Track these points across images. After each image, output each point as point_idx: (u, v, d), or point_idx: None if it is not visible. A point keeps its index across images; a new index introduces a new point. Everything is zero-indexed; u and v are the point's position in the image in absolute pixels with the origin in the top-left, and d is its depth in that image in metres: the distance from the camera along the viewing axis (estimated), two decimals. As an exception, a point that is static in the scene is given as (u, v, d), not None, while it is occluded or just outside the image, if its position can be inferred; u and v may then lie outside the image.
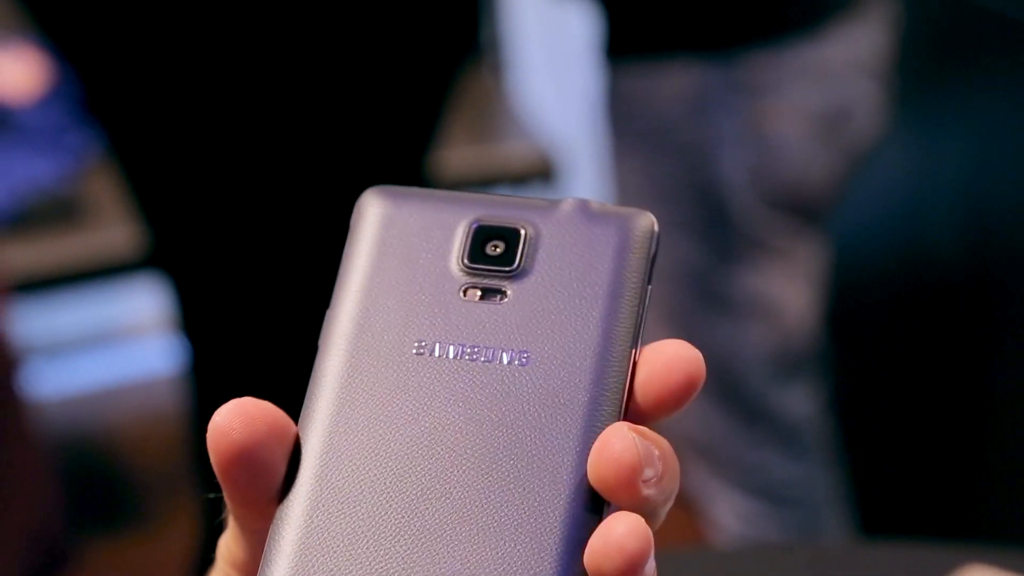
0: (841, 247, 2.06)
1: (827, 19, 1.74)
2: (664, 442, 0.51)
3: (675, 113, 1.76)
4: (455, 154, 2.67)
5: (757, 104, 1.73)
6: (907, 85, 1.97)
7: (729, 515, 1.96)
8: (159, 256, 2.09)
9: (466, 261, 0.55)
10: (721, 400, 1.89)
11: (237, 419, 0.50)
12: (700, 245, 1.80)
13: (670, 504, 0.51)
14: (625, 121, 1.82)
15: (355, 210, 0.56)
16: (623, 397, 0.53)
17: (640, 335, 0.54)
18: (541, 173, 2.86)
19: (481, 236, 0.55)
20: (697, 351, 0.53)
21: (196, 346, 2.07)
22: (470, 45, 2.06)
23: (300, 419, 0.53)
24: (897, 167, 2.16)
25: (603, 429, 0.51)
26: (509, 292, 0.54)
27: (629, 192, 1.86)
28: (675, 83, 1.75)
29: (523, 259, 0.55)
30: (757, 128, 1.74)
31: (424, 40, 1.87)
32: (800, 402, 1.92)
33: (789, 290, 1.84)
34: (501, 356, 0.53)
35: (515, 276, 0.55)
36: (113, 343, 3.27)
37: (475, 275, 0.55)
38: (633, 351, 0.53)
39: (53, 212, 2.72)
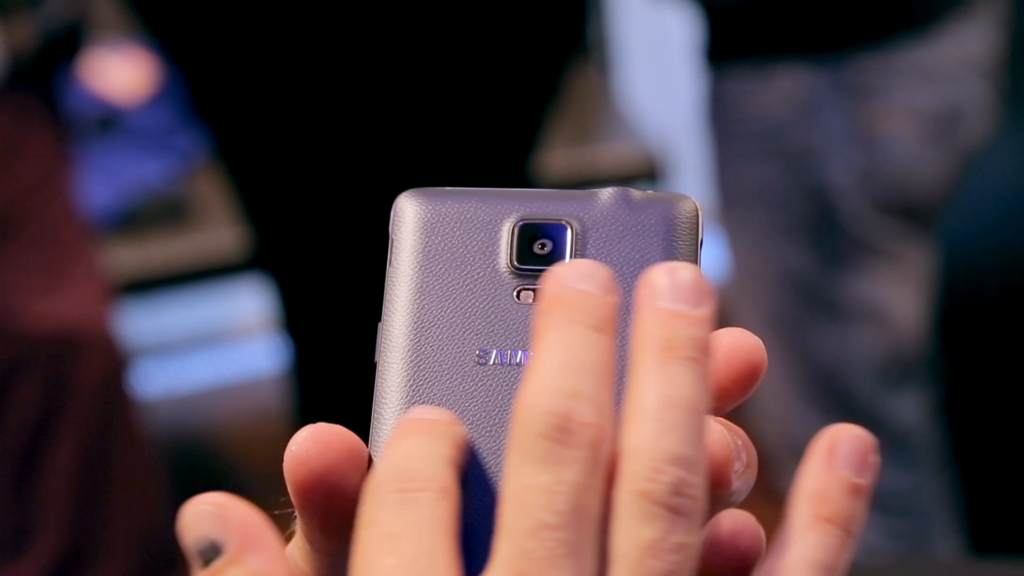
0: (951, 250, 2.03)
1: (937, 19, 1.72)
2: (743, 432, 0.51)
3: (782, 116, 1.74)
4: (559, 155, 2.66)
5: (866, 105, 1.71)
6: (1018, 84, 1.94)
7: (836, 523, 1.93)
8: (264, 257, 2.10)
9: (515, 262, 0.54)
10: (828, 407, 1.87)
11: (314, 446, 0.50)
12: (807, 250, 1.78)
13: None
14: (730, 125, 1.80)
15: (393, 215, 0.55)
16: None
17: None
18: (645, 174, 2.85)
19: (527, 235, 0.54)
20: (756, 338, 0.52)
21: (300, 346, 2.08)
22: (576, 45, 2.05)
23: (370, 440, 0.52)
24: (1008, 167, 2.12)
25: None
26: None
27: (733, 196, 1.84)
28: (782, 86, 1.73)
29: (573, 255, 0.53)
30: (866, 130, 1.72)
31: (530, 40, 1.86)
32: (909, 409, 1.89)
33: (899, 294, 1.82)
34: None
35: None
36: (219, 343, 3.29)
37: (527, 276, 0.53)
38: None
39: (161, 213, 2.74)
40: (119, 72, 2.91)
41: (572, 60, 1.99)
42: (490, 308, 0.53)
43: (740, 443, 0.50)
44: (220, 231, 2.65)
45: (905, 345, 1.84)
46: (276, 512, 0.55)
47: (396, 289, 0.54)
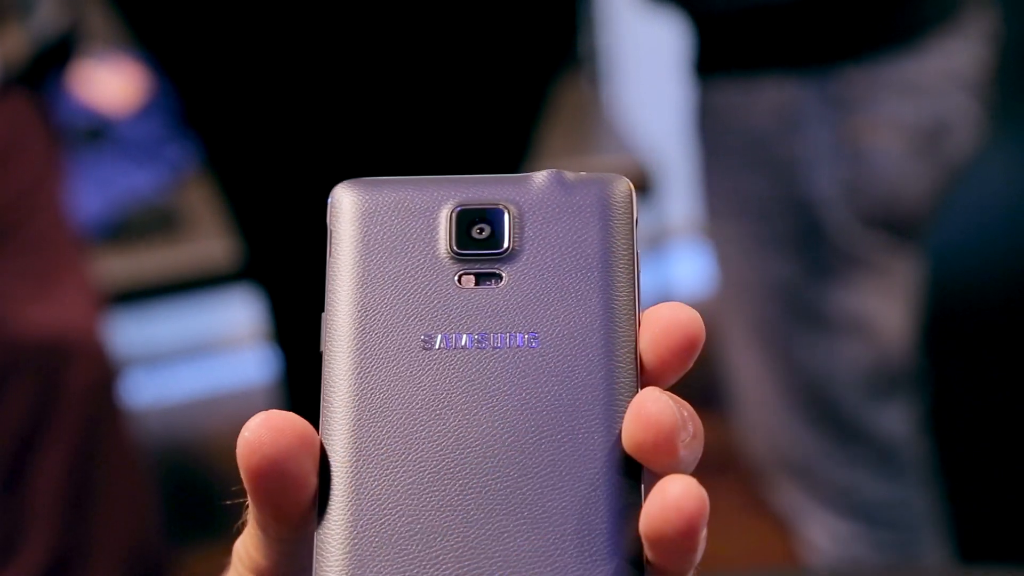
0: (938, 263, 2.03)
1: (923, 33, 1.72)
2: (689, 405, 0.51)
3: (769, 128, 1.74)
4: (550, 165, 2.66)
5: (853, 118, 1.72)
6: (1005, 98, 1.94)
7: (823, 536, 1.94)
8: (254, 268, 2.10)
9: (455, 247, 0.54)
10: (815, 419, 1.87)
11: (267, 433, 0.50)
12: (793, 261, 1.79)
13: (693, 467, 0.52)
14: (717, 136, 1.81)
15: (330, 206, 0.56)
16: (637, 364, 0.53)
17: (638, 301, 0.54)
18: (636, 187, 2.85)
19: (465, 220, 0.55)
20: (694, 312, 0.53)
21: (289, 356, 2.08)
22: (566, 57, 2.05)
23: (321, 429, 0.53)
24: (994, 181, 2.13)
25: (626, 398, 0.51)
26: (504, 275, 0.54)
27: (721, 208, 1.85)
28: (769, 98, 1.74)
29: (511, 239, 0.54)
30: (852, 143, 1.72)
31: (520, 51, 1.87)
32: (896, 421, 1.89)
33: (885, 307, 1.82)
34: (509, 340, 0.53)
35: (506, 258, 0.54)
36: (209, 353, 3.29)
37: (466, 261, 0.54)
38: (636, 316, 0.53)
39: (151, 223, 2.74)
40: (109, 83, 2.91)
41: (562, 71, 1.99)
42: (432, 294, 0.54)
43: (686, 414, 0.51)
44: (210, 242, 2.65)
45: (891, 357, 1.85)
46: (227, 502, 0.55)
47: (338, 279, 0.55)
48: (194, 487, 2.75)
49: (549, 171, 0.56)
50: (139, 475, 1.92)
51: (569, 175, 0.56)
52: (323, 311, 0.55)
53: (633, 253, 0.55)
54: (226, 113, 1.90)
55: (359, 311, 0.54)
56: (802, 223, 1.76)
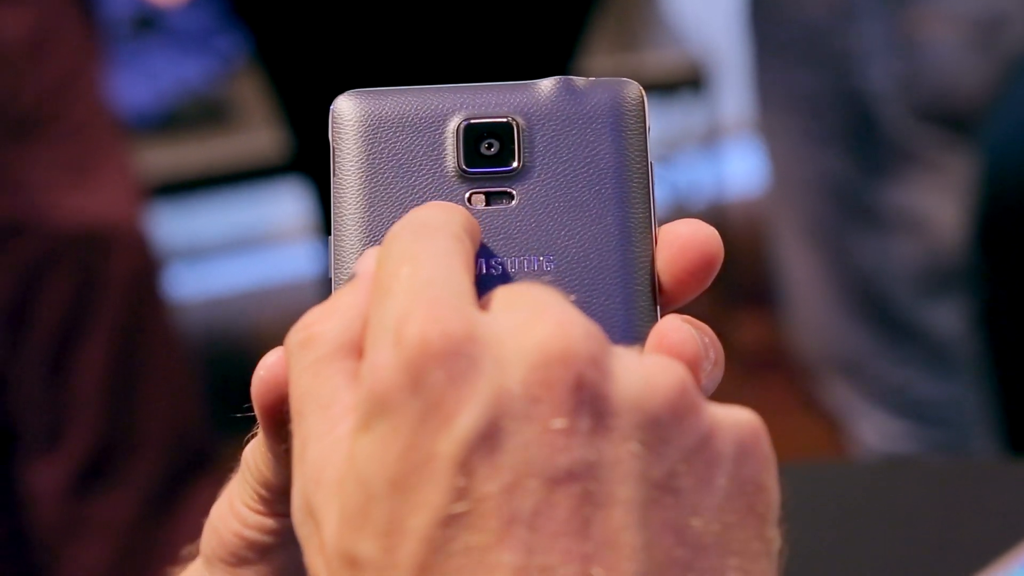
0: (993, 158, 2.01)
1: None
2: (710, 330, 0.50)
3: (823, 21, 1.72)
4: (601, 61, 2.64)
5: (908, 10, 1.69)
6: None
7: (873, 434, 1.93)
8: (303, 160, 2.10)
9: (464, 166, 0.53)
10: (867, 317, 1.86)
11: (282, 371, 0.48)
12: (846, 158, 1.77)
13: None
14: (771, 29, 1.79)
15: (332, 120, 0.54)
16: (655, 287, 0.51)
17: (654, 216, 0.52)
18: (689, 81, 2.83)
19: (473, 136, 0.53)
20: (712, 229, 0.51)
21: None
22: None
23: None
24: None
25: (647, 324, 0.50)
26: (515, 193, 0.52)
27: (773, 103, 1.83)
28: (823, -9, 1.71)
29: (521, 155, 0.53)
30: (908, 35, 1.70)
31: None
32: (948, 319, 1.88)
33: (939, 203, 1.81)
34: (524, 264, 0.51)
35: (517, 176, 0.52)
36: (257, 246, 3.30)
37: (476, 180, 0.53)
38: (652, 233, 0.52)
39: (200, 115, 2.74)
40: (160, -27, 2.90)
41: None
42: None
43: (708, 341, 0.50)
44: (259, 133, 2.65)
45: (944, 254, 1.83)
46: (238, 415, 0.54)
47: (344, 201, 0.53)
48: (242, 379, 2.76)
49: (558, 78, 0.54)
50: (182, 366, 1.93)
51: (579, 81, 0.54)
52: (329, 235, 0.53)
53: (647, 164, 0.53)
54: (275, 2, 1.89)
55: (367, 235, 0.52)
56: (856, 118, 1.75)
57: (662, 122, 3.02)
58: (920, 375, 1.89)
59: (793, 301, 1.97)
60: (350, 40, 1.86)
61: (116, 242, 1.79)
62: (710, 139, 3.03)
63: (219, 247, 3.26)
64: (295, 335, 0.47)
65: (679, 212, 2.94)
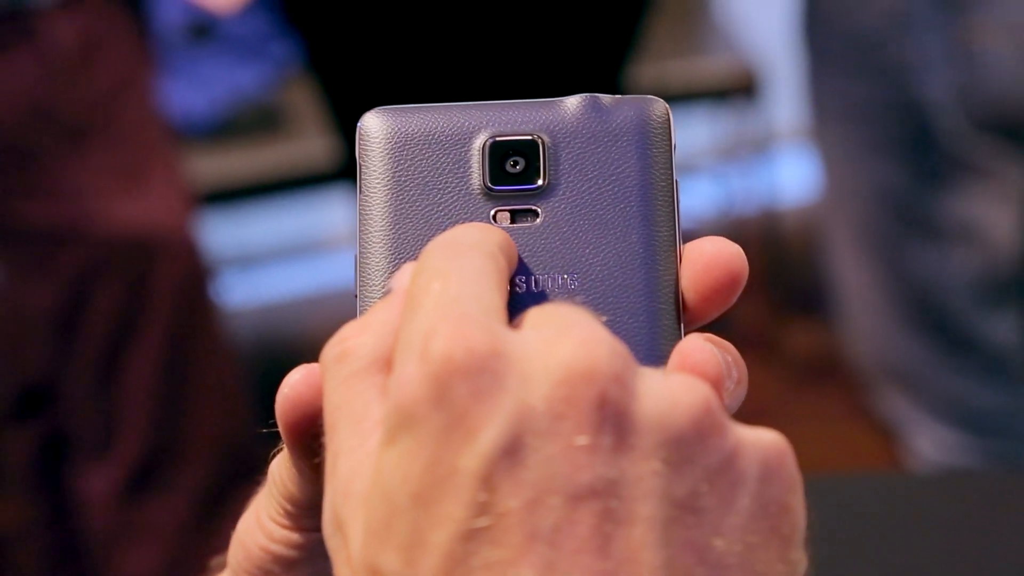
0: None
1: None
2: (733, 348, 0.50)
3: (879, 31, 1.71)
4: (653, 68, 2.63)
5: (966, 20, 1.68)
6: None
7: (929, 445, 1.92)
8: (354, 168, 2.10)
9: (489, 183, 0.53)
10: (923, 327, 1.85)
11: (307, 390, 0.49)
12: (903, 168, 1.76)
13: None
14: (826, 38, 1.78)
15: (358, 137, 0.54)
16: (679, 306, 0.51)
17: (679, 234, 0.52)
18: (742, 88, 2.82)
19: (498, 153, 0.53)
20: (737, 246, 0.51)
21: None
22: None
23: None
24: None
25: (670, 344, 0.50)
26: (540, 211, 0.52)
27: (828, 112, 1.82)
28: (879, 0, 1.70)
29: (546, 173, 0.53)
30: (965, 45, 1.68)
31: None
32: (1005, 329, 1.87)
33: (996, 213, 1.79)
34: (549, 282, 0.51)
35: (542, 193, 0.52)
36: (309, 253, 3.30)
37: (502, 197, 0.53)
38: (677, 251, 0.52)
39: (254, 122, 2.75)
40: (214, -20, 2.91)
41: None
42: None
43: (730, 360, 0.50)
44: (313, 140, 2.65)
45: (1001, 264, 1.82)
46: (264, 431, 0.54)
47: (370, 219, 0.53)
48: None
49: (583, 96, 0.54)
50: (232, 373, 1.94)
51: (604, 98, 0.54)
52: (355, 252, 0.53)
53: (672, 181, 0.53)
54: (330, 10, 1.89)
55: (393, 254, 0.52)
56: (912, 128, 1.74)
57: (715, 129, 3.01)
58: (977, 386, 1.88)
59: (847, 310, 1.96)
60: (403, 48, 1.86)
61: (166, 249, 1.80)
62: (763, 146, 3.02)
63: (271, 254, 3.27)
64: (330, 349, 0.47)
65: (731, 220, 2.93)
